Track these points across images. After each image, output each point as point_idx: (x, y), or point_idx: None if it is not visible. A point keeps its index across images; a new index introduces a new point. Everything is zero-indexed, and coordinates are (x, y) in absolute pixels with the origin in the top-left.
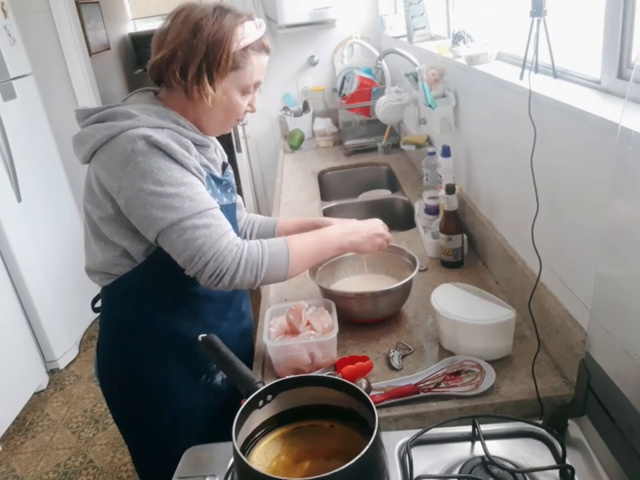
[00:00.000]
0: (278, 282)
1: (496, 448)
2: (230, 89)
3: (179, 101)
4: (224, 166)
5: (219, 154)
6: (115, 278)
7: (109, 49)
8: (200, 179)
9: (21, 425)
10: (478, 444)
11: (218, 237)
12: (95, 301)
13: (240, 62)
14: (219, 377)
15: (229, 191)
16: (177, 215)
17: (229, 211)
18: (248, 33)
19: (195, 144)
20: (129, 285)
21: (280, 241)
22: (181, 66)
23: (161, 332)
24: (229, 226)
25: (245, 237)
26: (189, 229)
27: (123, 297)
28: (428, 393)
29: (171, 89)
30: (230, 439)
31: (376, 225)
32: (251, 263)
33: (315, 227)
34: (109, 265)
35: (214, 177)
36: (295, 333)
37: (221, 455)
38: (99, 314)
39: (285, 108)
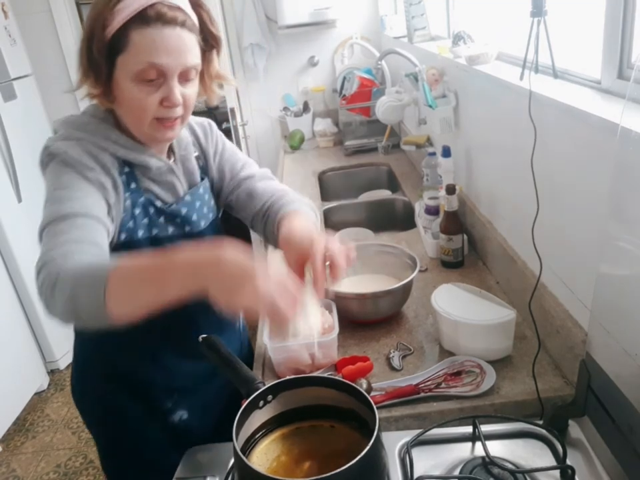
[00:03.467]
0: (98, 318)
1: (496, 448)
2: (122, 80)
3: (113, 108)
4: (193, 187)
5: (183, 174)
6: None
7: None
8: (101, 193)
9: (22, 425)
10: (478, 444)
11: (55, 246)
12: None
13: (120, 43)
14: (176, 417)
15: (178, 221)
16: (42, 222)
17: (176, 243)
18: (125, 5)
19: (132, 163)
20: None
21: (113, 259)
22: (80, 63)
23: (110, 368)
24: (83, 237)
25: (269, 209)
26: (45, 237)
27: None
28: (428, 394)
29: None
30: (230, 440)
31: (279, 279)
32: (63, 278)
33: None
34: None
35: (154, 205)
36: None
37: (221, 455)
38: None
39: (285, 108)
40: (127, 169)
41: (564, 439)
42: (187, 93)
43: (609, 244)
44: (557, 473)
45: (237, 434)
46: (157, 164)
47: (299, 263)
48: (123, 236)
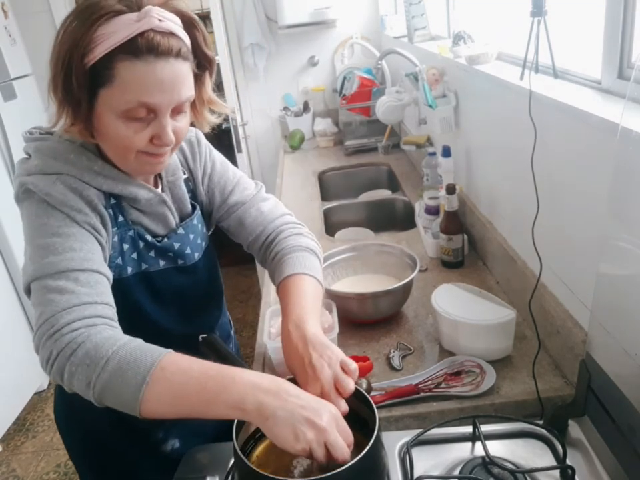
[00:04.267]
0: (130, 413)
1: (496, 448)
2: (104, 115)
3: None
4: (187, 217)
5: (173, 204)
6: None
7: None
8: (93, 235)
9: (22, 425)
10: (478, 444)
11: (64, 308)
12: None
13: (103, 75)
14: (168, 447)
15: (170, 254)
16: (35, 272)
17: (166, 277)
18: (114, 29)
19: (117, 195)
20: None
21: (151, 349)
22: (51, 89)
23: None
24: (96, 298)
25: (267, 249)
26: (39, 291)
27: None
28: (428, 393)
29: None
30: (230, 440)
31: (317, 417)
32: (91, 358)
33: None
34: None
35: (144, 240)
36: None
37: (221, 455)
38: None
39: (285, 108)
40: (112, 201)
41: (564, 438)
42: (179, 126)
43: (608, 244)
44: (556, 472)
45: (237, 434)
46: (146, 195)
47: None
48: (107, 255)
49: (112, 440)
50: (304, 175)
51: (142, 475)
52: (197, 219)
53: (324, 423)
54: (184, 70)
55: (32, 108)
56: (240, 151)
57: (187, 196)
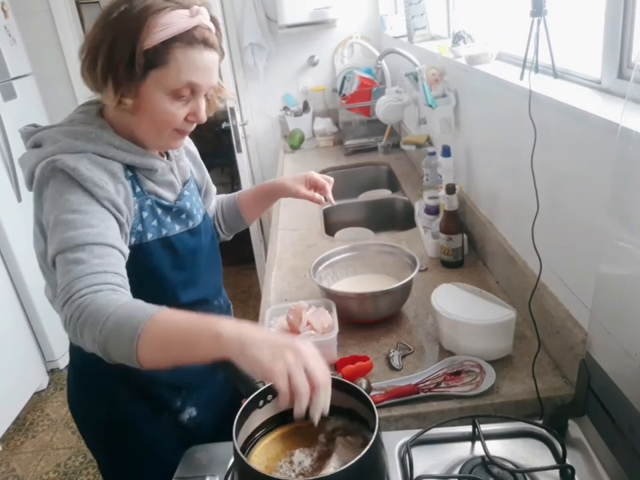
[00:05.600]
0: (131, 365)
1: (496, 448)
2: (152, 93)
3: (117, 113)
4: (186, 183)
5: (178, 172)
6: None
7: None
8: (112, 212)
9: (21, 424)
10: (478, 444)
11: (77, 277)
12: None
13: (159, 58)
14: (186, 415)
15: (183, 216)
16: (56, 248)
17: (183, 240)
18: (171, 21)
19: (136, 167)
20: None
21: (141, 308)
22: (92, 68)
23: (115, 369)
24: (106, 268)
25: (216, 221)
26: (61, 263)
27: None
28: (428, 393)
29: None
30: (230, 439)
31: (295, 343)
32: (94, 317)
33: (269, 192)
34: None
35: (161, 205)
36: (295, 333)
37: (221, 455)
38: None
39: (285, 108)
40: (130, 174)
41: (564, 438)
42: (204, 108)
43: (608, 244)
44: (556, 472)
45: (237, 433)
46: (161, 165)
47: (306, 185)
48: (132, 240)
49: (129, 416)
50: None
51: (164, 445)
52: (192, 183)
53: (303, 348)
54: (217, 60)
55: (32, 108)
56: (240, 150)
57: (188, 167)
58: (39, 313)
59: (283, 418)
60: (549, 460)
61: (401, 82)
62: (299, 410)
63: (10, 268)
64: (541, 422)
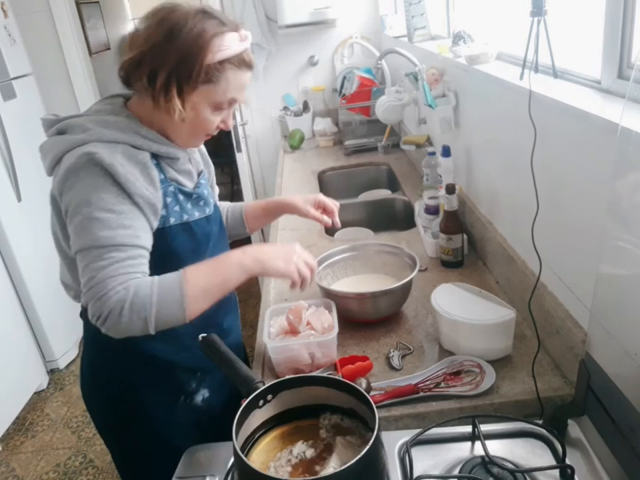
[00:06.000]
0: (179, 323)
1: (496, 448)
2: (200, 104)
3: (146, 107)
4: (200, 174)
5: (193, 163)
6: None
7: (109, 48)
8: (141, 209)
9: (21, 424)
10: (478, 444)
11: (112, 275)
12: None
13: (213, 76)
14: (199, 397)
15: (201, 203)
16: (89, 242)
17: (201, 226)
18: (227, 44)
19: (160, 156)
20: None
21: (173, 276)
22: (149, 72)
23: (133, 355)
24: (137, 269)
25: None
26: (94, 257)
27: None
28: (428, 393)
29: (139, 94)
30: (230, 439)
31: (294, 248)
32: (138, 305)
33: (279, 207)
34: (78, 282)
35: (183, 192)
36: (295, 333)
37: (221, 454)
38: None
39: (285, 108)
40: (154, 162)
41: (563, 438)
42: (232, 116)
43: (608, 244)
44: (556, 472)
45: (237, 433)
46: (182, 154)
47: (315, 207)
48: (156, 224)
49: (145, 401)
50: (304, 175)
51: (174, 436)
52: (204, 174)
53: (298, 248)
54: None
55: (32, 108)
56: (240, 150)
57: (200, 158)
58: (39, 313)
59: (282, 417)
60: (549, 460)
61: (401, 82)
62: (306, 286)
63: (10, 268)
64: (540, 422)
